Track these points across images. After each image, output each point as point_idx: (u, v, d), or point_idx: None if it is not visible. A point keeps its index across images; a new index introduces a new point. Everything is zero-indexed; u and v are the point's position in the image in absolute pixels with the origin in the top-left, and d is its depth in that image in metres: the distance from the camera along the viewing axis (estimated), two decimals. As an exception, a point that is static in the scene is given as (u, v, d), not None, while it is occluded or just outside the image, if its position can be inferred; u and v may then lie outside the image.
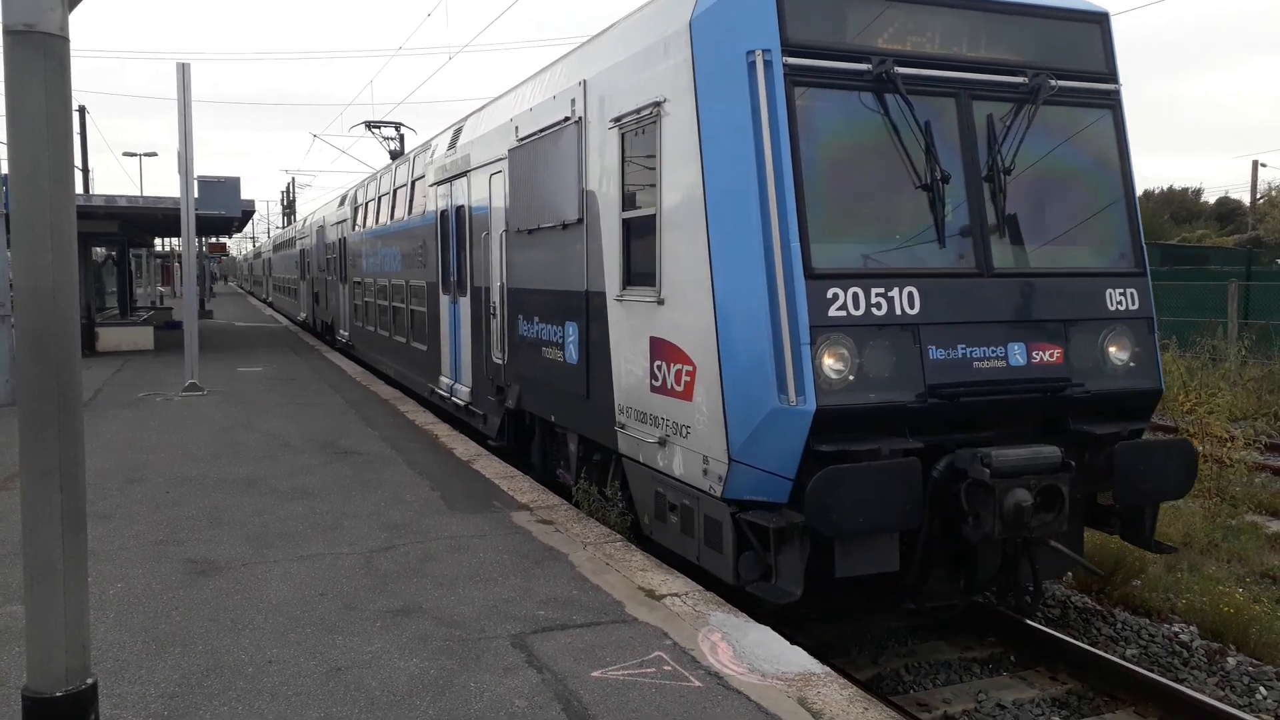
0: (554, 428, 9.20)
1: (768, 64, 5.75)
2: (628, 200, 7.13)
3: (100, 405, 14.22)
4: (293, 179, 70.60)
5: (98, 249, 32.29)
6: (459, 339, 12.24)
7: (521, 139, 9.35)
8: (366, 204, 19.30)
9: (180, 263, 24.62)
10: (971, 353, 5.96)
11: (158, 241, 47.31)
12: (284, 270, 43.05)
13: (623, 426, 7.25)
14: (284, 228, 57.71)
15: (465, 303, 11.82)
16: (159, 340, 24.21)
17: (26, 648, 3.33)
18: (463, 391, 12.09)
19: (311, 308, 29.82)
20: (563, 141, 8.21)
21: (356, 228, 20.34)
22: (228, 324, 35.10)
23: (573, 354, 8.16)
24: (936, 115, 6.20)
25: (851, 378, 5.65)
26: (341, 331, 23.23)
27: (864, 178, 6.08)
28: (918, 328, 5.85)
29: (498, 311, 10.29)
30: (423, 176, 14.10)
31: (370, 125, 23.17)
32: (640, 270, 6.96)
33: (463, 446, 10.84)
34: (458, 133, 12.53)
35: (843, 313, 5.69)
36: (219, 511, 8.00)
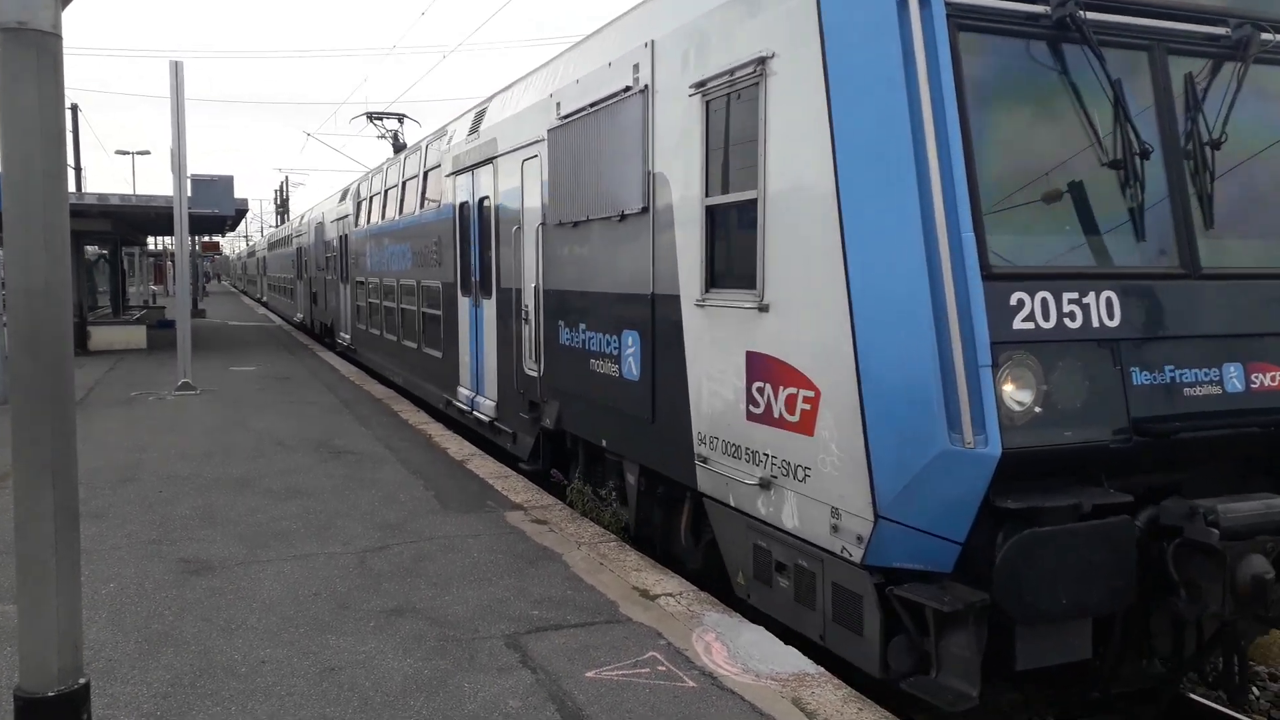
0: (604, 454, 7.93)
1: (924, 1, 4.52)
2: (714, 183, 5.86)
3: (93, 404, 14.17)
4: (286, 177, 70.48)
5: (90, 247, 32.18)
6: (481, 347, 10.98)
7: (564, 117, 8.08)
8: (371, 198, 17.99)
9: (173, 261, 24.50)
10: (1181, 376, 4.78)
11: (150, 240, 47.18)
12: (279, 269, 41.50)
13: (704, 461, 6.02)
14: (277, 226, 57.50)
15: (489, 306, 10.58)
16: (152, 339, 24.14)
17: (19, 647, 3.31)
18: (486, 406, 10.80)
19: (309, 308, 28.69)
20: (622, 116, 6.96)
21: (360, 224, 19.12)
22: (221, 323, 35.01)
23: (632, 368, 6.97)
24: (1127, 72, 4.94)
25: (1038, 410, 4.45)
26: (342, 334, 22.03)
27: (1042, 150, 4.87)
28: (1117, 344, 4.66)
29: (531, 317, 9.04)
30: (438, 166, 12.84)
31: (372, 117, 22.27)
32: (731, 269, 5.76)
33: (456, 446, 10.83)
34: (480, 115, 11.17)
35: (1029, 324, 4.49)
36: (212, 511, 7.98)
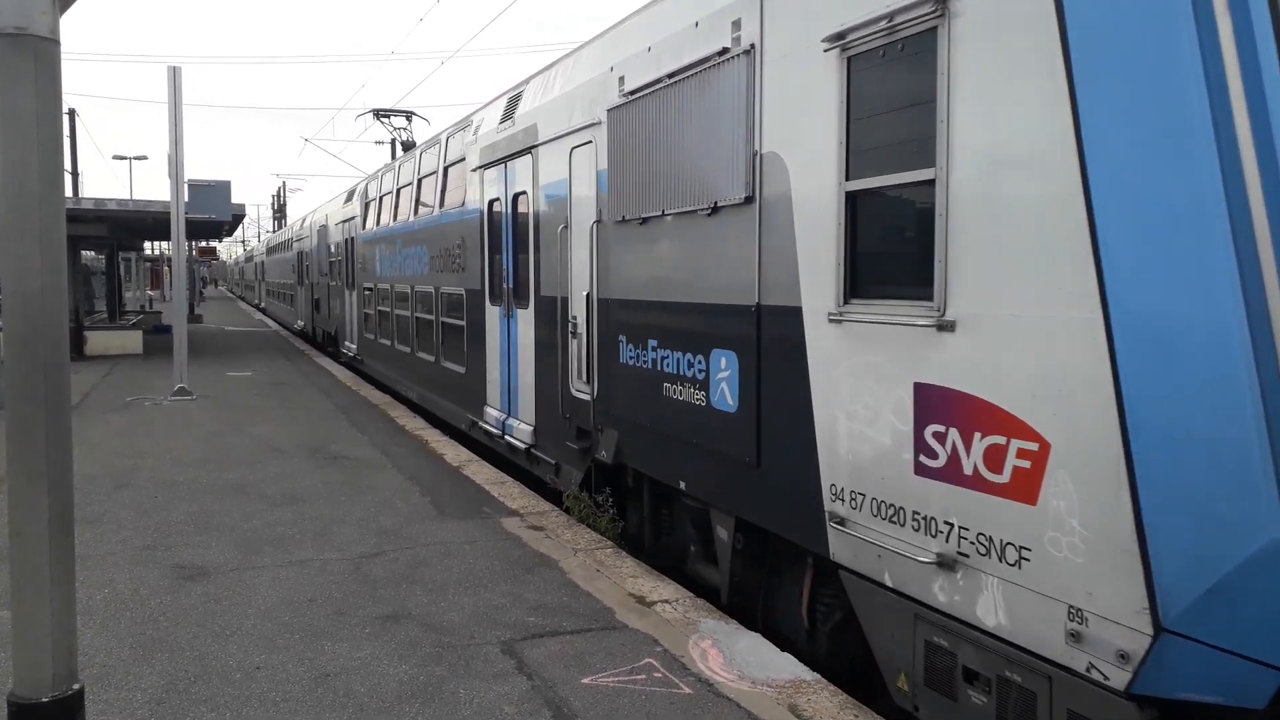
0: (682, 497, 6.71)
1: None
2: (858, 162, 4.59)
3: (88, 409, 14.14)
4: (283, 183, 70.41)
5: (86, 252, 32.15)
6: (515, 362, 9.74)
7: (631, 93, 6.82)
8: (382, 198, 16.67)
9: (169, 266, 24.44)
10: None
11: (147, 245, 47.14)
12: (279, 274, 40.02)
13: (840, 522, 4.75)
14: (274, 230, 57.42)
15: (525, 316, 9.36)
16: (148, 344, 24.12)
17: (13, 653, 3.30)
18: (521, 430, 9.53)
19: (311, 316, 27.49)
20: (715, 86, 5.74)
21: (368, 226, 17.90)
22: (217, 328, 34.97)
23: (726, 397, 5.68)
24: None
25: None
26: (347, 344, 20.80)
27: None
28: None
29: (581, 329, 7.83)
30: (461, 160, 11.67)
31: (379, 114, 21.11)
32: (887, 273, 4.55)
33: (453, 452, 10.82)
34: (515, 101, 9.93)
35: None
36: (207, 516, 7.96)
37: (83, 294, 27.76)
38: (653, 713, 4.43)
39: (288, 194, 69.99)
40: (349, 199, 20.32)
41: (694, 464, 6.21)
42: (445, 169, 12.51)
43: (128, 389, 16.61)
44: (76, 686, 3.34)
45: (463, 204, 11.54)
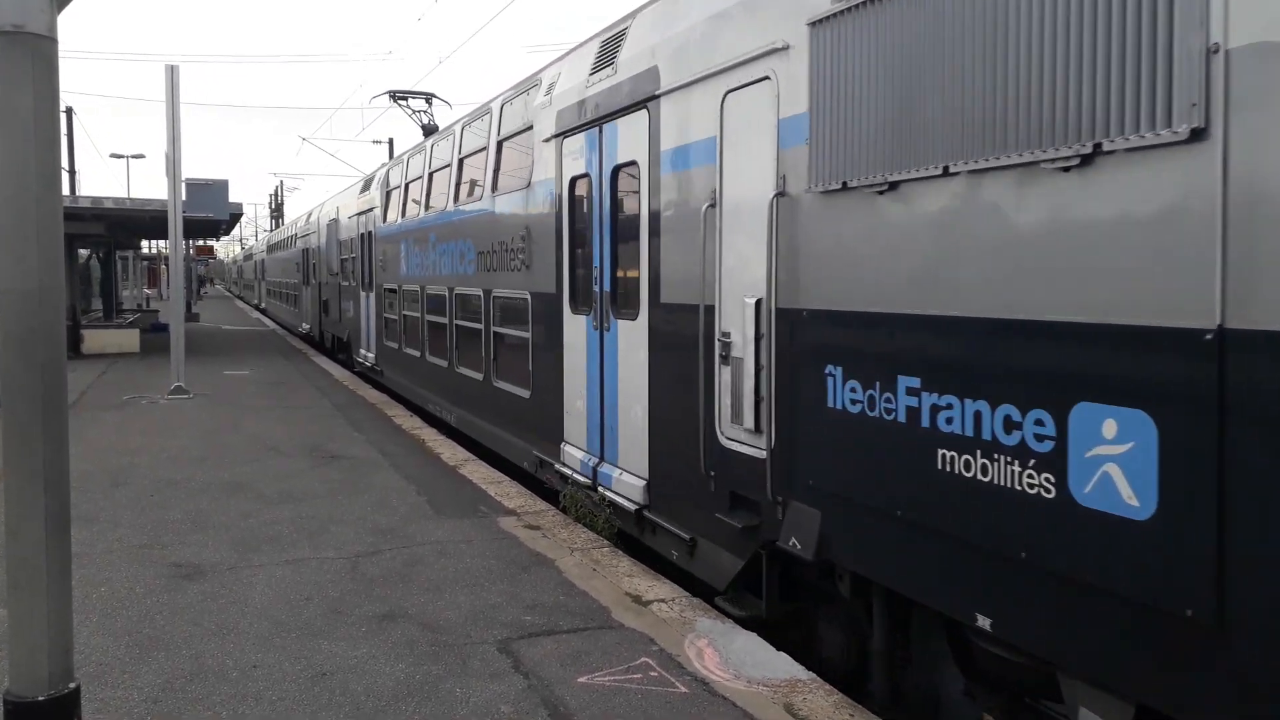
0: (964, 636, 4.48)
1: None
2: None
3: (85, 408, 14.13)
4: (281, 182, 70.34)
5: (83, 250, 32.13)
6: (613, 390, 7.51)
7: None
8: (408, 186, 14.62)
9: (167, 265, 24.29)
10: None
11: (145, 244, 47.11)
12: (281, 274, 37.64)
13: None
14: (272, 230, 57.27)
15: (633, 330, 7.15)
16: (145, 343, 24.11)
17: (9, 651, 3.31)
18: (628, 485, 7.24)
19: (318, 319, 25.09)
20: None
21: (391, 218, 15.81)
22: (215, 327, 34.95)
23: (1119, 489, 3.39)
24: None
25: None
26: (363, 352, 18.52)
27: None
28: None
29: (742, 352, 5.63)
30: (524, 130, 9.43)
31: (396, 96, 18.55)
32: None
33: (450, 451, 10.82)
34: (615, 41, 7.65)
35: None
36: (204, 515, 7.96)
37: (79, 293, 27.75)
38: (649, 712, 4.44)
39: (285, 193, 69.95)
40: (365, 188, 18.29)
41: (1017, 593, 3.85)
42: (499, 144, 10.32)
43: (125, 387, 16.60)
44: (73, 685, 3.34)
45: (527, 185, 9.24)
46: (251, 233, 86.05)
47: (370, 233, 17.44)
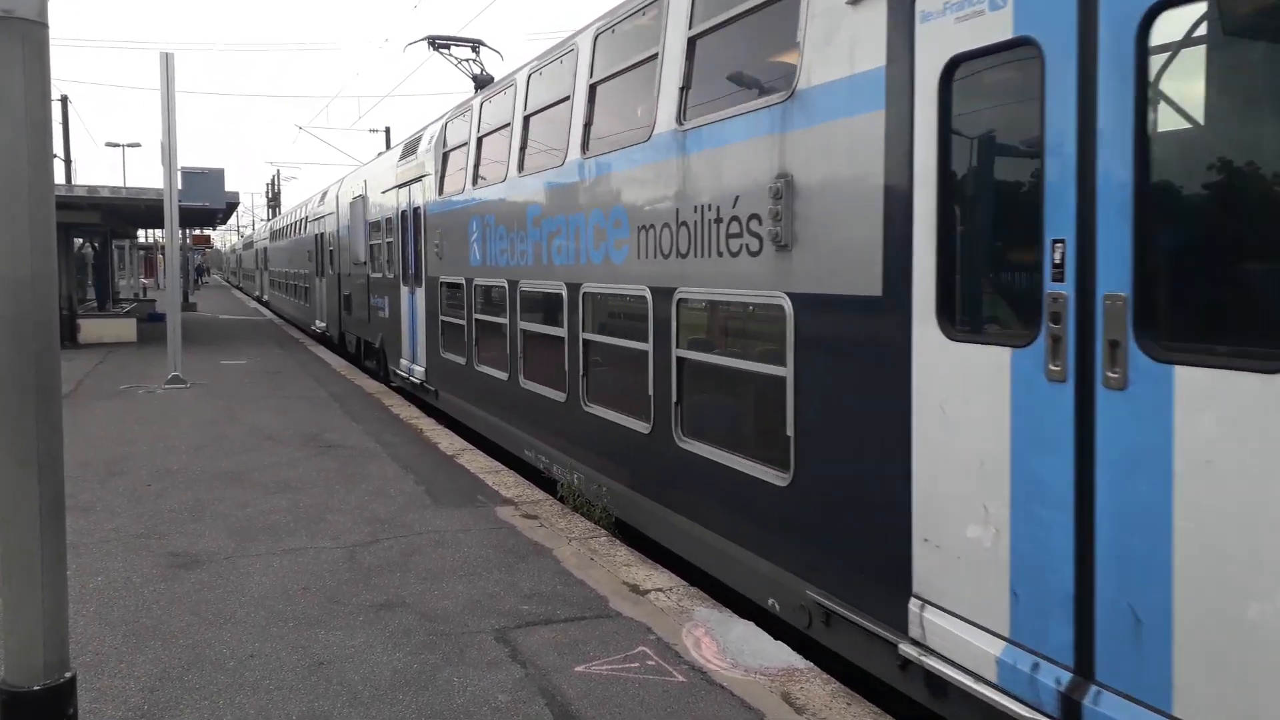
0: None
1: None
2: None
3: (82, 397, 14.10)
4: (278, 171, 70.11)
5: (78, 239, 32.05)
6: (1123, 523, 3.36)
7: None
8: (482, 141, 10.91)
9: (163, 254, 24.14)
10: None
11: (141, 233, 46.99)
12: (287, 263, 33.62)
13: None
14: (269, 220, 56.96)
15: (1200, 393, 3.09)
16: (142, 332, 24.06)
17: (4, 641, 3.29)
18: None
19: (338, 317, 21.36)
20: None
21: (451, 189, 12.08)
22: (212, 317, 34.89)
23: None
24: None
25: None
26: (406, 363, 14.62)
27: None
28: None
29: None
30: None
31: (436, 43, 14.92)
32: None
33: (447, 441, 10.81)
34: None
35: None
36: (201, 504, 7.95)
37: (76, 282, 27.68)
38: (646, 701, 4.43)
39: (282, 182, 69.75)
40: (408, 154, 14.58)
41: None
42: (692, 41, 6.30)
43: (121, 377, 16.57)
44: (69, 674, 3.32)
45: (790, 95, 5.19)
46: (248, 222, 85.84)
47: (418, 209, 13.58)
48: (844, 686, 4.65)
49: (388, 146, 24.68)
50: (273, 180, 70.43)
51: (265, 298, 45.15)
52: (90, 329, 23.22)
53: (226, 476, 8.97)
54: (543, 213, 8.82)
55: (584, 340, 8.06)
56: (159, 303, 32.47)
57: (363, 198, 17.47)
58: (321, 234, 23.53)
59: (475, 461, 9.70)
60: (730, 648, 5.04)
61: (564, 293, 8.33)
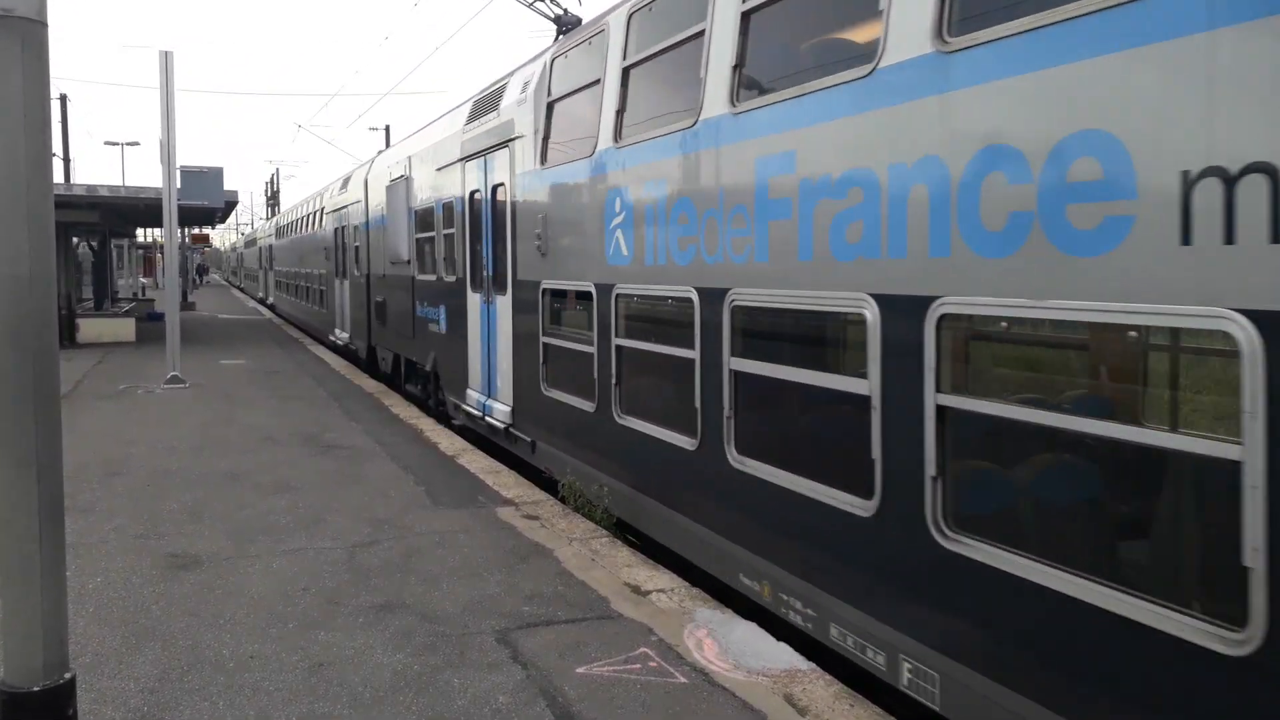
0: None
1: None
2: None
3: (81, 397, 14.08)
4: (277, 169, 70.03)
5: (77, 238, 32.02)
6: None
7: None
8: (630, 71, 7.16)
9: (162, 253, 24.05)
10: None
11: (140, 232, 46.95)
12: (296, 262, 29.53)
13: None
14: (268, 218, 56.79)
15: None
16: (141, 332, 24.03)
17: (3, 641, 3.27)
18: None
19: (368, 329, 17.63)
20: None
21: (560, 156, 8.53)
22: (211, 316, 34.86)
23: None
24: None
25: None
26: (482, 398, 10.70)
27: None
28: None
29: None
30: None
31: None
32: None
33: (447, 441, 10.79)
34: None
35: None
36: (200, 505, 7.93)
37: (75, 281, 27.64)
38: (648, 702, 4.42)
39: (281, 181, 69.70)
40: (481, 113, 10.81)
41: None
42: None
43: (120, 377, 16.54)
44: (68, 675, 3.31)
45: None
46: (247, 220, 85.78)
47: (499, 188, 9.98)
48: (846, 687, 4.64)
49: (388, 145, 23.77)
50: (272, 179, 70.40)
51: (270, 300, 40.12)
52: (89, 328, 23.19)
53: (226, 477, 8.95)
54: (800, 172, 5.05)
55: (933, 405, 4.15)
56: (158, 302, 32.43)
57: (405, 179, 13.98)
58: (342, 227, 19.99)
59: (476, 462, 9.68)
60: (732, 649, 5.02)
61: (873, 315, 4.52)
